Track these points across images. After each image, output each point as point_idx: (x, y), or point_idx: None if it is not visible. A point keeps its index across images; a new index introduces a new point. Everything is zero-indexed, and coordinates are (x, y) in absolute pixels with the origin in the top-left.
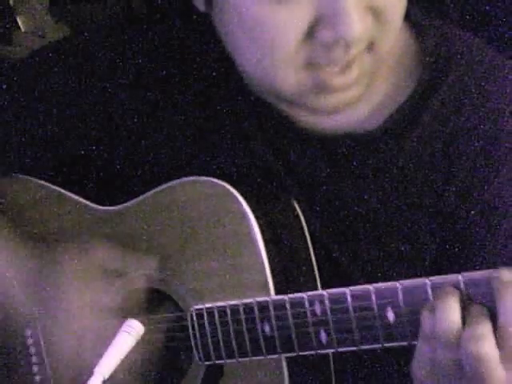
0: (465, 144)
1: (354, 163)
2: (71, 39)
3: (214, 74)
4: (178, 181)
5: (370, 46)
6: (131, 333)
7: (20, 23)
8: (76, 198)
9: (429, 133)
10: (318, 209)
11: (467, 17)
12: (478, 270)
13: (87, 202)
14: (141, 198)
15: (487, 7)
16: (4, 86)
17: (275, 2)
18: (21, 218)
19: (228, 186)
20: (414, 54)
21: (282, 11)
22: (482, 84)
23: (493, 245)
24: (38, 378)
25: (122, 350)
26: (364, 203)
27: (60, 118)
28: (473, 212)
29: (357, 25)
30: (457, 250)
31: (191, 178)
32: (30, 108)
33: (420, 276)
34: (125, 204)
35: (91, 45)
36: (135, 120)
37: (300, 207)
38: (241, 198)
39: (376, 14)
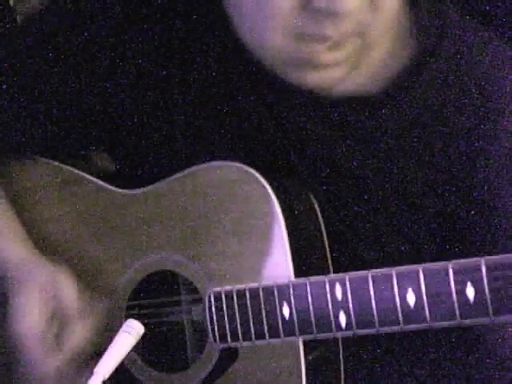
0: (465, 144)
1: (357, 127)
2: (71, 37)
3: (213, 73)
4: (200, 166)
5: (361, 33)
6: (131, 333)
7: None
8: (94, 179)
9: (427, 97)
10: (323, 181)
11: (467, 17)
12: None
13: (106, 185)
14: (161, 181)
15: (487, 7)
16: (4, 86)
17: None
18: (40, 199)
19: (252, 171)
20: (409, 23)
21: None
22: (482, 84)
23: (493, 245)
24: None
25: (121, 350)
26: (365, 167)
27: (60, 117)
28: (473, 212)
29: None
30: (457, 250)
31: (214, 163)
32: (30, 108)
33: None
34: (145, 187)
35: (91, 44)
36: (135, 120)
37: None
38: (266, 183)
39: None
